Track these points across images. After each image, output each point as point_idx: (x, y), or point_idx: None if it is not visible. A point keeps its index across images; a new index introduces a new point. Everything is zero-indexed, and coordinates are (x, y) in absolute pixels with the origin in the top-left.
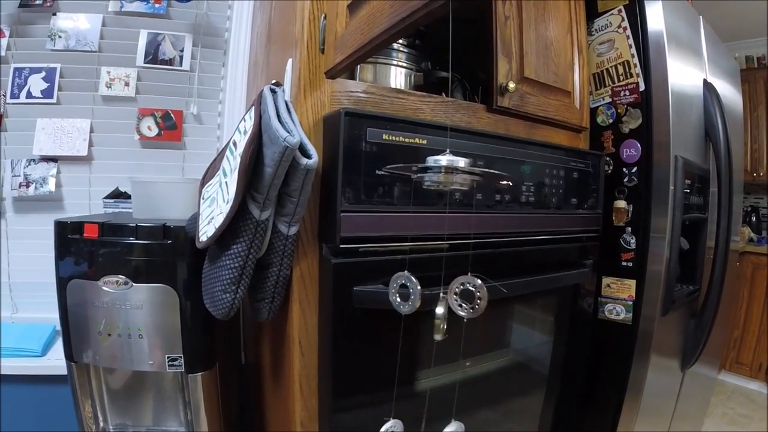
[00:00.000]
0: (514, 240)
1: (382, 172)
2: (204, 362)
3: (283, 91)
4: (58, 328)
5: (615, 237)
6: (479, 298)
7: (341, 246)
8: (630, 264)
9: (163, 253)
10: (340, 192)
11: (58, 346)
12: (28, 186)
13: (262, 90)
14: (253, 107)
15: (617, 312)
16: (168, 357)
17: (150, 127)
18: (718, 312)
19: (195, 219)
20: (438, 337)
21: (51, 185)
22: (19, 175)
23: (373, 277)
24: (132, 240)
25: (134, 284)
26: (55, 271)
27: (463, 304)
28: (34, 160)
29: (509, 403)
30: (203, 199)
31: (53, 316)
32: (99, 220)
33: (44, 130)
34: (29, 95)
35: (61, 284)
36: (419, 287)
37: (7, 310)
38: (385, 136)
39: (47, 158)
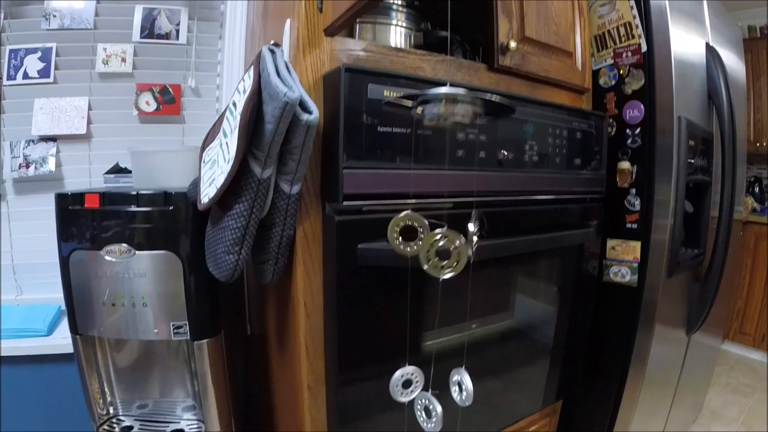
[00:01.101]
0: (518, 200)
1: (385, 129)
2: (209, 329)
3: (282, 51)
4: (63, 308)
5: (619, 199)
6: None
7: (344, 203)
8: (635, 226)
9: (165, 219)
10: (342, 148)
11: (64, 326)
12: (27, 167)
13: (261, 50)
14: (252, 67)
15: (622, 274)
16: (173, 325)
17: (148, 102)
18: (723, 277)
19: (196, 183)
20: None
21: (51, 165)
22: (19, 157)
23: (377, 234)
24: (133, 208)
25: (137, 252)
26: (57, 244)
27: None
28: (32, 140)
29: (514, 369)
30: (204, 162)
31: (58, 296)
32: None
33: (42, 110)
34: (26, 76)
35: (64, 257)
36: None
37: (12, 293)
38: (386, 92)
39: (46, 138)
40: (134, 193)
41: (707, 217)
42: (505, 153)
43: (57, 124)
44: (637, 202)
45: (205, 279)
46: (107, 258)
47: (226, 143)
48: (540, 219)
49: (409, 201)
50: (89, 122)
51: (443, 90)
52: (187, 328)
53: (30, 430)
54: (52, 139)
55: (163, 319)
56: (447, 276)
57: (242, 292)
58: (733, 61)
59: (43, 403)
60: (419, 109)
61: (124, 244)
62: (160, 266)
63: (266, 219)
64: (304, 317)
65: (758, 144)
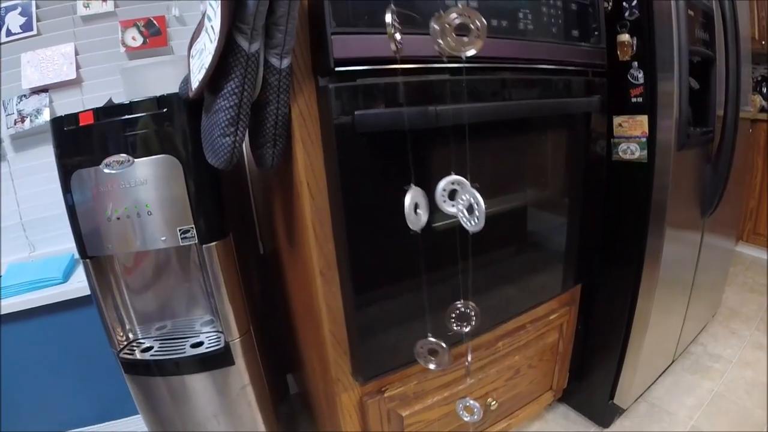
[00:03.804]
0: (519, 67)
1: None
2: (216, 231)
3: None
4: (77, 256)
5: (622, 73)
6: (477, 33)
7: (336, 69)
8: (640, 99)
9: (160, 123)
10: (329, 13)
11: (79, 272)
12: (23, 121)
13: None
14: None
15: (632, 151)
16: (180, 229)
17: (134, 38)
18: (734, 162)
19: (187, 80)
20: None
21: (46, 115)
22: (13, 113)
23: (373, 100)
24: (127, 116)
25: (135, 160)
26: (56, 168)
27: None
28: (24, 95)
29: (529, 253)
30: (192, 56)
31: (70, 246)
32: None
33: (29, 63)
34: (9, 33)
35: (65, 179)
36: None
37: (25, 251)
38: None
39: (37, 90)
40: (127, 102)
41: (714, 95)
42: (501, 17)
43: (46, 74)
44: (640, 75)
45: (206, 179)
46: (106, 171)
47: (211, 26)
48: (543, 90)
49: (404, 66)
50: (78, 67)
51: None
52: (194, 231)
53: (58, 378)
54: (44, 90)
55: (169, 225)
56: (470, 53)
57: (250, 210)
58: None
59: (68, 350)
60: None
61: (122, 154)
62: (160, 171)
63: (259, 99)
64: (308, 199)
65: (763, 42)
